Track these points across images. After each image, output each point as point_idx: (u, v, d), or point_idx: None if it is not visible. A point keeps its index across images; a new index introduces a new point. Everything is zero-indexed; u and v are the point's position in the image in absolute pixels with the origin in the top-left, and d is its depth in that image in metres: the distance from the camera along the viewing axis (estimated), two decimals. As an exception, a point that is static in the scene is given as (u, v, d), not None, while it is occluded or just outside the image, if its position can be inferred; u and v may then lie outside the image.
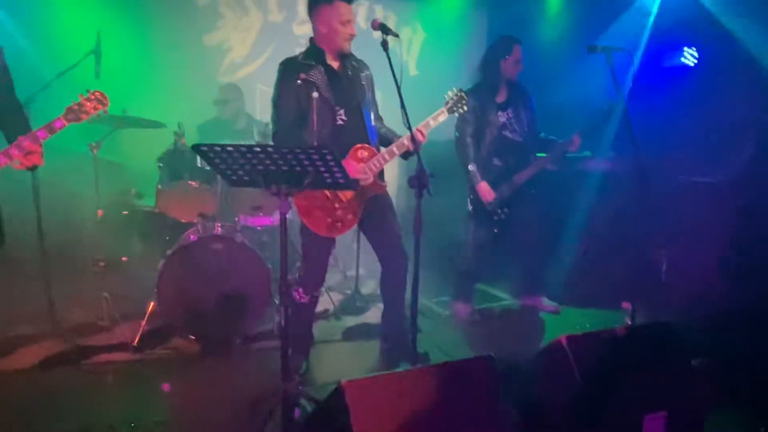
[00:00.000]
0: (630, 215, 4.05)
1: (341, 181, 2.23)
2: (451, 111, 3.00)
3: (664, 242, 4.11)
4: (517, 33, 3.84)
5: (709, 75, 4.28)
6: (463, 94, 3.01)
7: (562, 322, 3.97)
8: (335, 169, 2.13)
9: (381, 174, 2.98)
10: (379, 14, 5.67)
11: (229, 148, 2.05)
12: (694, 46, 4.40)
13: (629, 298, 3.53)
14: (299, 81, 2.79)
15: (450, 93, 3.00)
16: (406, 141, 2.83)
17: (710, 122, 4.07)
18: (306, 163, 2.08)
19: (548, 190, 4.01)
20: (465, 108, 3.02)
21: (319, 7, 2.84)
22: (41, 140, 2.33)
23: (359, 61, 3.03)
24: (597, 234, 4.38)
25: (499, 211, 3.79)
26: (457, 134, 3.78)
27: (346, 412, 1.74)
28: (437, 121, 2.95)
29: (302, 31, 5.44)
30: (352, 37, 2.87)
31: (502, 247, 3.95)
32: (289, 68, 2.85)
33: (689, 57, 4.43)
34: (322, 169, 2.12)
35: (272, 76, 2.92)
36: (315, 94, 2.79)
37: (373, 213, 2.98)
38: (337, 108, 2.87)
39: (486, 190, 3.71)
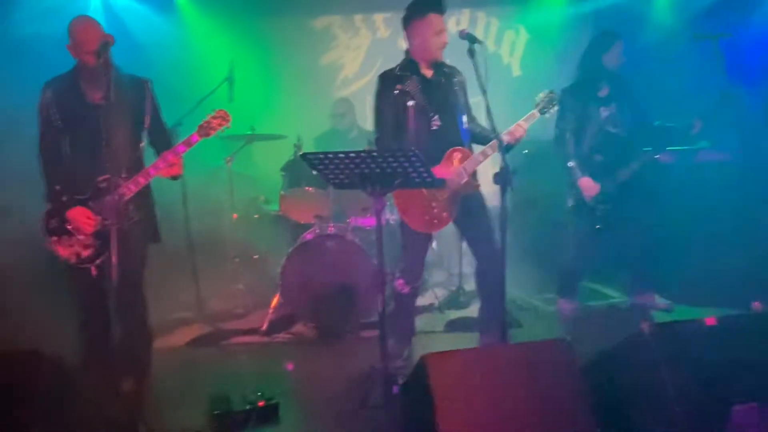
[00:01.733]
0: (754, 209, 3.80)
1: (428, 179, 2.47)
2: (542, 112, 3.11)
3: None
4: (625, 24, 3.78)
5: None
6: (553, 95, 3.11)
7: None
8: (421, 169, 2.38)
9: (474, 174, 3.16)
10: (482, 20, 5.83)
11: (330, 155, 2.39)
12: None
13: (759, 297, 3.32)
14: (396, 92, 3.06)
15: (541, 95, 3.12)
16: (495, 145, 2.93)
17: None
18: (395, 164, 2.35)
19: (661, 183, 3.89)
20: (555, 108, 3.12)
21: (413, 21, 3.08)
22: (181, 153, 2.79)
23: (451, 68, 3.21)
24: (716, 228, 4.14)
25: (601, 206, 3.76)
26: (556, 131, 3.82)
27: (428, 381, 1.97)
28: (529, 122, 3.07)
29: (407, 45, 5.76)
30: (444, 45, 3.06)
31: (608, 244, 3.90)
32: (386, 80, 3.12)
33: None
34: (410, 169, 2.38)
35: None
36: (410, 103, 3.05)
37: (467, 211, 3.15)
38: (432, 114, 3.08)
39: (589, 185, 3.69)
